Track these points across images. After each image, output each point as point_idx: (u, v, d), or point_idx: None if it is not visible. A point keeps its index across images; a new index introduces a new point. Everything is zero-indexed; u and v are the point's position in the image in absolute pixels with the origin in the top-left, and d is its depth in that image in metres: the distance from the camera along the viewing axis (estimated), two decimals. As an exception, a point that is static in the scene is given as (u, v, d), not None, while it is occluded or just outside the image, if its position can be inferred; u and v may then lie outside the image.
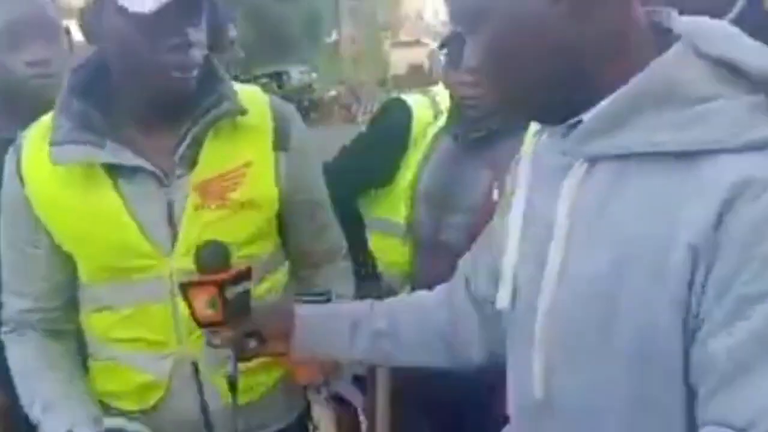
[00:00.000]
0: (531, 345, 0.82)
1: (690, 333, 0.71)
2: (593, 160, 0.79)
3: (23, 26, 1.44)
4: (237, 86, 1.24)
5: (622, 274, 0.74)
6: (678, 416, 0.73)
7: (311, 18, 30.63)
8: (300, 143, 1.28)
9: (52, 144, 1.12)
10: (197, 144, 1.17)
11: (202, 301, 1.04)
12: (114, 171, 1.14)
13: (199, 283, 1.05)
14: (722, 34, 0.76)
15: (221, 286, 1.04)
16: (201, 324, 1.08)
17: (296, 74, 19.72)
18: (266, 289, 1.29)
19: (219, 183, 1.18)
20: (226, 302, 1.04)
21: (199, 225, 1.17)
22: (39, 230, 1.19)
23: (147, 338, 1.20)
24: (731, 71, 0.73)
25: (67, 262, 1.22)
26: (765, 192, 0.67)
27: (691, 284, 0.70)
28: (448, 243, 1.39)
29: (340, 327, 1.13)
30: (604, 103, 0.77)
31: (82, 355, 1.30)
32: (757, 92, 0.72)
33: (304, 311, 1.16)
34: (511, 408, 0.94)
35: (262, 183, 1.22)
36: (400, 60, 37.59)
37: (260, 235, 1.25)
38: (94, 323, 1.24)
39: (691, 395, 0.73)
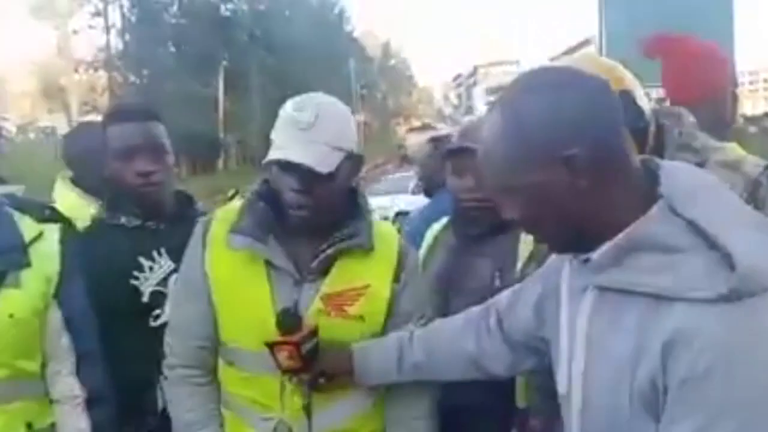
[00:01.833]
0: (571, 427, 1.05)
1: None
2: (602, 289, 1.00)
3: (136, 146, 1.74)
4: (377, 222, 1.53)
5: (620, 380, 0.94)
6: None
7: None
8: (412, 271, 1.53)
9: (231, 231, 1.43)
10: (332, 259, 1.44)
11: (283, 355, 1.34)
12: (269, 263, 1.43)
13: (282, 343, 1.34)
14: (694, 198, 0.94)
15: (298, 344, 1.33)
16: (283, 371, 1.37)
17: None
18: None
19: (341, 297, 1.43)
20: (301, 355, 1.34)
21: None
22: (205, 285, 1.46)
23: (258, 400, 1.44)
24: (696, 231, 0.91)
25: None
26: (696, 341, 0.85)
27: (654, 400, 0.91)
28: None
29: (389, 360, 1.41)
30: (604, 246, 0.96)
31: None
32: (716, 249, 0.89)
33: (358, 349, 1.43)
34: None
35: (375, 304, 1.46)
36: (413, 142, 39.55)
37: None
38: (224, 375, 1.50)
39: None
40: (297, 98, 1.42)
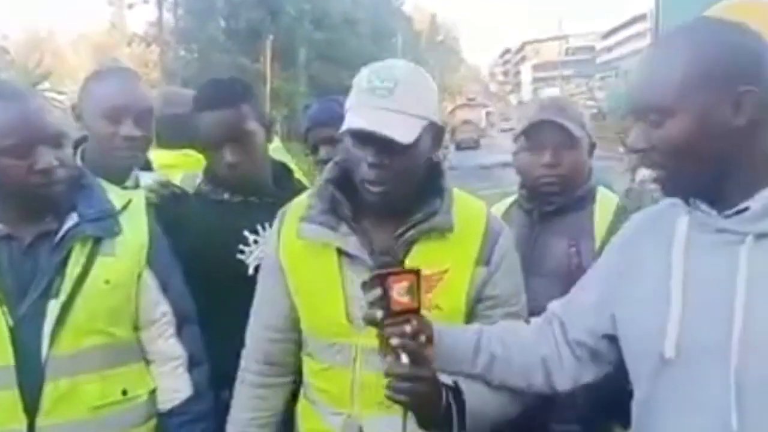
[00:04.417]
0: (716, 388, 1.01)
1: None
2: (759, 237, 1.01)
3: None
4: (460, 194, 1.41)
5: None
6: None
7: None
8: (501, 258, 1.39)
9: (301, 220, 1.38)
10: (411, 243, 1.34)
11: (400, 288, 1.13)
12: (341, 251, 1.36)
13: (400, 272, 1.14)
14: None
15: (419, 276, 1.15)
16: (394, 312, 1.13)
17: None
18: None
19: None
20: (421, 291, 1.15)
21: None
22: (283, 276, 1.44)
23: (330, 392, 1.40)
24: None
25: None
26: None
27: None
28: (532, 306, 1.45)
29: (466, 345, 1.29)
30: (764, 194, 1.01)
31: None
32: None
33: (439, 326, 1.25)
34: None
35: (452, 291, 1.35)
36: (458, 117, 43.32)
37: None
38: (305, 366, 1.48)
39: None
40: (375, 65, 1.33)
